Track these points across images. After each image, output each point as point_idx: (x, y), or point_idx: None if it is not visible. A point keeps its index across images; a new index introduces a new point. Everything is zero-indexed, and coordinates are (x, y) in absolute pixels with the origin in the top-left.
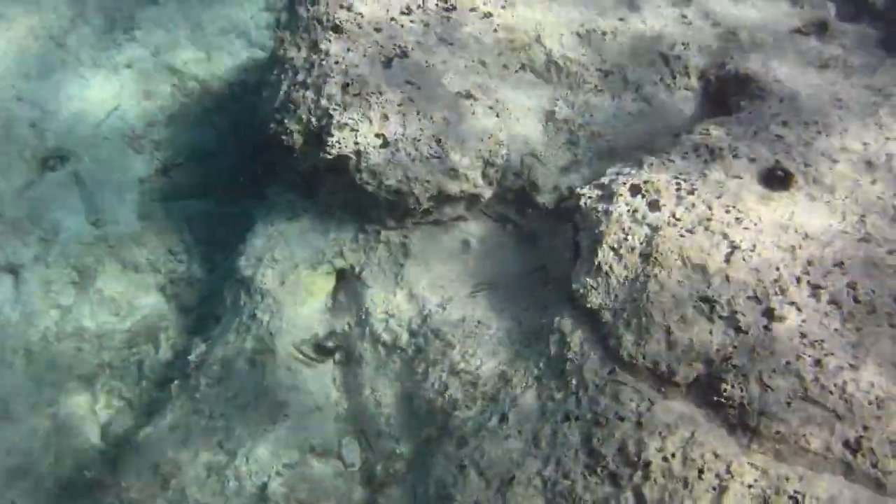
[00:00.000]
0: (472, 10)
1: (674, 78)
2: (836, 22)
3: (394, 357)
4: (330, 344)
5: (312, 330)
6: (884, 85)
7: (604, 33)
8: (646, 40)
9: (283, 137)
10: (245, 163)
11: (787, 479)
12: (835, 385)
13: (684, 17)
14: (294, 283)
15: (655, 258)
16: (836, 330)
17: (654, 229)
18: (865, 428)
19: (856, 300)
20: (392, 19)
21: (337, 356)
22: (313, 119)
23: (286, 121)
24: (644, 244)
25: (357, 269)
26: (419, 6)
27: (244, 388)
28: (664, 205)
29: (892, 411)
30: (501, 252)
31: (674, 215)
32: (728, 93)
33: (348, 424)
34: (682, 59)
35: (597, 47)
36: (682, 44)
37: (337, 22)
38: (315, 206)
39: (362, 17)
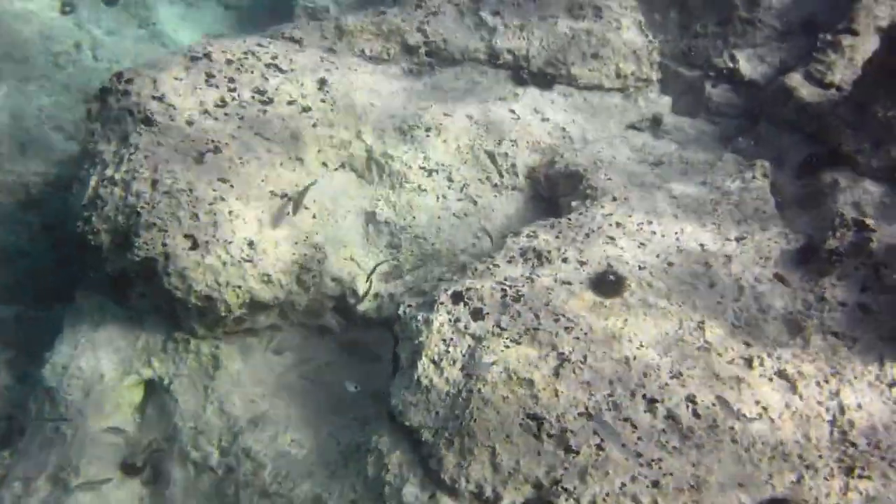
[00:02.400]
0: (290, 103)
1: (501, 177)
2: (671, 116)
3: (203, 477)
4: (137, 461)
5: (119, 446)
6: (721, 182)
7: (428, 130)
8: (472, 137)
9: (91, 237)
10: (57, 264)
11: None
12: None
13: (512, 111)
14: (100, 394)
15: (479, 372)
16: (675, 448)
17: (478, 340)
18: None
19: (696, 415)
20: (206, 112)
21: (145, 474)
22: (121, 218)
23: (94, 219)
24: (467, 357)
25: (166, 381)
26: (234, 99)
27: None
28: (488, 314)
29: None
30: (318, 364)
31: (499, 325)
32: (558, 192)
33: None
34: (510, 156)
35: (420, 144)
36: (511, 141)
37: (148, 114)
38: (124, 311)
39: (175, 108)
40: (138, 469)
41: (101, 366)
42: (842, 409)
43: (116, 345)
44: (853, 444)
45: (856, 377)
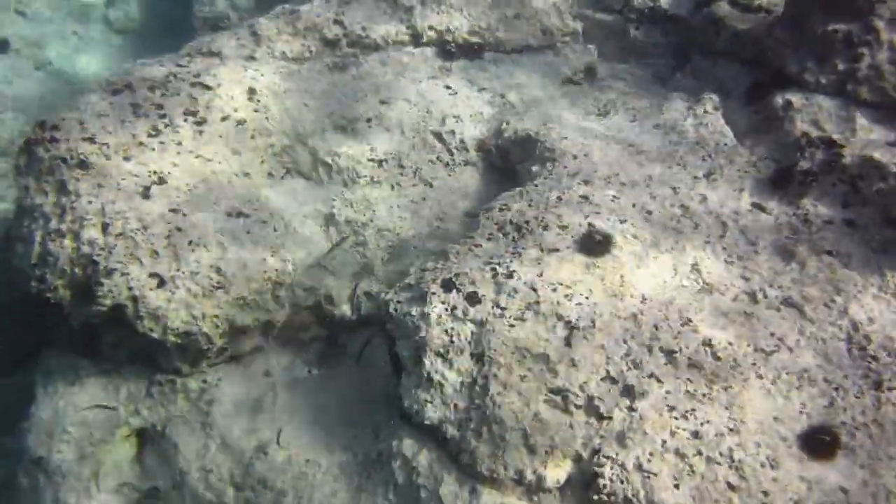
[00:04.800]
0: (224, 118)
1: (451, 154)
2: (602, 65)
3: None
4: None
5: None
6: (674, 122)
7: (368, 120)
8: (414, 120)
9: (49, 295)
10: (11, 329)
11: None
12: (720, 454)
13: (448, 88)
14: (94, 454)
15: (490, 357)
16: (704, 395)
17: (480, 325)
18: (766, 493)
19: (715, 357)
20: (141, 144)
21: None
22: (77, 269)
23: (48, 276)
24: (473, 343)
25: (160, 427)
26: (167, 125)
27: None
28: (484, 295)
29: (786, 468)
30: (311, 378)
31: (497, 305)
32: (513, 159)
33: None
34: (457, 133)
35: (364, 136)
36: (454, 117)
37: (82, 157)
38: (99, 365)
39: (108, 147)
40: None
41: (88, 424)
42: (855, 326)
43: (98, 399)
44: (875, 358)
45: (860, 292)
